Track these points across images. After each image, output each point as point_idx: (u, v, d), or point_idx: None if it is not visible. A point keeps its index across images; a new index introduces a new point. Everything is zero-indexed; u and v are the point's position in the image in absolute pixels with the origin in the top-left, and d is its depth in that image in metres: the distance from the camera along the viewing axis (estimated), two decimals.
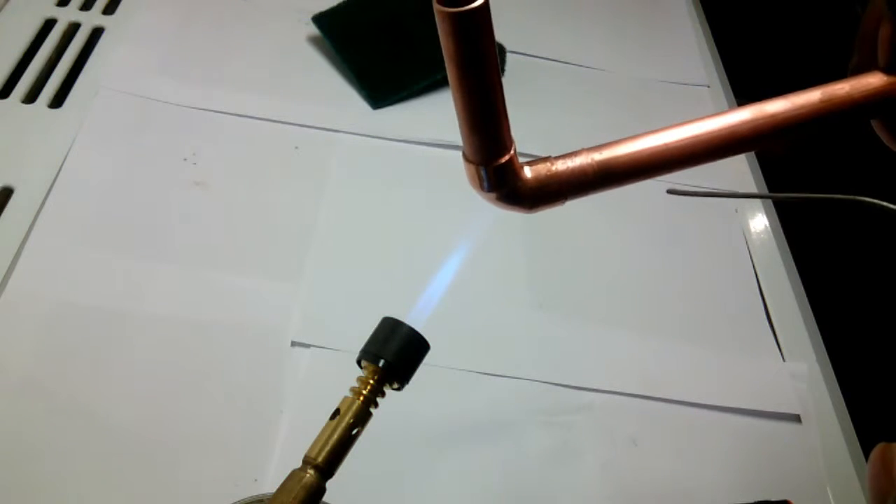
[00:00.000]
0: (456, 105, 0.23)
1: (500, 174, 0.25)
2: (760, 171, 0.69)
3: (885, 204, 0.28)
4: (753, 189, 0.67)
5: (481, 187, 0.25)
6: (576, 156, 0.26)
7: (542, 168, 0.26)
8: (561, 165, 0.26)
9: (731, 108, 0.27)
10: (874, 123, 0.29)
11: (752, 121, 0.27)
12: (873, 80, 0.27)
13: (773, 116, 0.26)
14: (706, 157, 0.27)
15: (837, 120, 0.27)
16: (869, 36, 0.28)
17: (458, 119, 0.24)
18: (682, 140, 0.26)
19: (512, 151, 0.25)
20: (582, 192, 0.26)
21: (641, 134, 0.26)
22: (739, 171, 0.68)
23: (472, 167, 0.25)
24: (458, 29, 0.21)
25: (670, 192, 0.33)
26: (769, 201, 0.67)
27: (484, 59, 0.22)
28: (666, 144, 0.26)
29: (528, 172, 0.26)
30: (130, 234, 0.53)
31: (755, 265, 0.60)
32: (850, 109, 0.27)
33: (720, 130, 0.27)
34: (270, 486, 0.40)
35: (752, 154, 0.70)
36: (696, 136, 0.26)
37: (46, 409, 0.43)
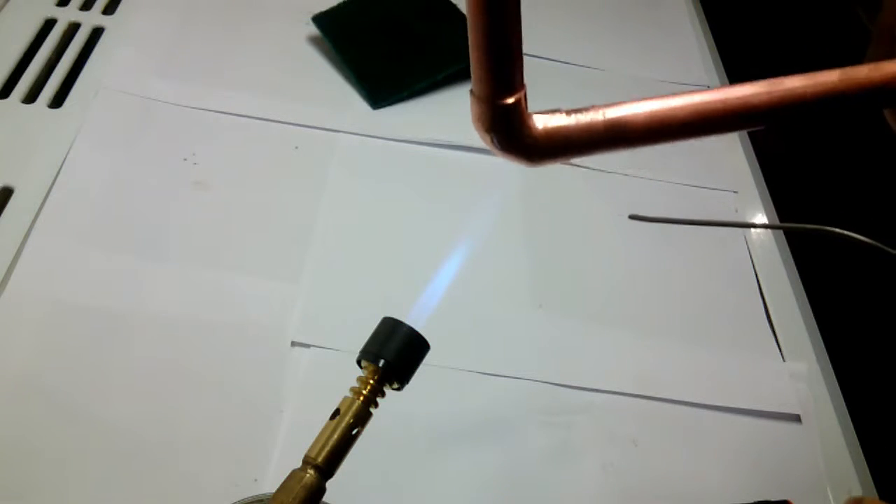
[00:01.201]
0: (470, 30, 0.22)
1: (505, 114, 0.24)
2: (760, 172, 0.69)
3: (851, 234, 0.28)
4: (752, 189, 0.67)
5: (484, 127, 0.25)
6: (587, 110, 0.25)
7: (551, 118, 0.25)
8: (571, 118, 0.25)
9: (750, 82, 0.27)
10: (888, 114, 0.29)
11: (767, 93, 0.26)
12: (893, 67, 0.27)
13: (789, 90, 0.26)
14: (720, 127, 0.26)
15: (853, 101, 0.27)
16: (887, 28, 0.28)
17: (471, 48, 0.23)
18: (696, 105, 0.25)
19: (522, 94, 0.24)
20: (590, 150, 0.25)
21: (657, 96, 0.26)
22: (740, 169, 0.68)
23: (478, 103, 0.24)
24: None
25: (632, 217, 0.32)
26: (768, 201, 0.67)
27: None
28: (681, 107, 0.25)
29: (535, 120, 0.25)
30: (130, 234, 0.53)
31: (755, 265, 0.60)
32: (868, 91, 0.26)
33: (736, 100, 0.26)
34: (270, 486, 0.40)
35: (751, 153, 0.70)
36: (710, 103, 0.26)
37: (46, 409, 0.43)
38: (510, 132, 0.24)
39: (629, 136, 0.25)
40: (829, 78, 0.26)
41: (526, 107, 0.24)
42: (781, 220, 0.65)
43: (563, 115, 0.25)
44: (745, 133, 0.72)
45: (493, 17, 0.22)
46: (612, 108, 0.25)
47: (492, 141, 0.25)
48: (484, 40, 0.22)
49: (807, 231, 0.30)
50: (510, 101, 0.24)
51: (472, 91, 0.24)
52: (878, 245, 0.29)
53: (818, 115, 0.27)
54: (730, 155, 0.69)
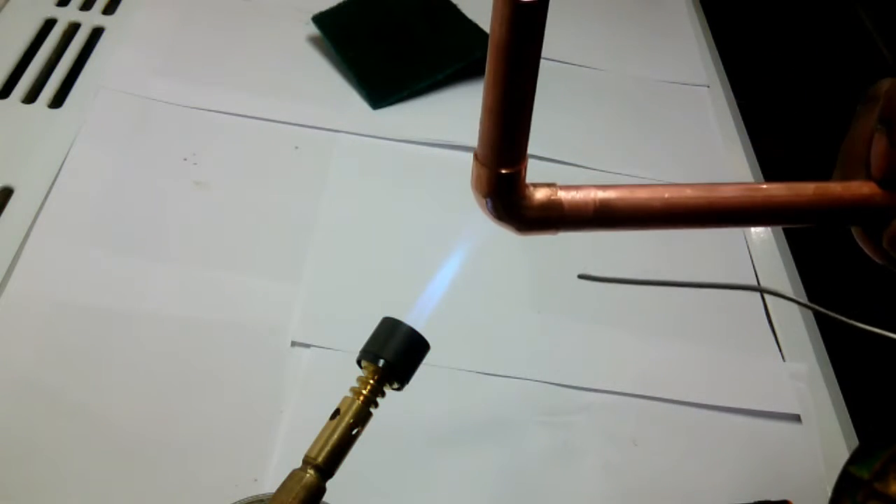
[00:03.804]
0: (486, 99, 0.23)
1: (506, 184, 0.25)
2: (761, 173, 0.69)
3: (776, 291, 0.30)
4: None
5: (482, 191, 0.25)
6: (581, 188, 0.26)
7: (545, 191, 0.26)
8: (564, 194, 0.26)
9: (733, 183, 0.28)
10: (855, 232, 0.30)
11: (749, 197, 0.28)
12: (865, 189, 0.28)
13: (769, 196, 0.28)
14: (704, 222, 0.28)
15: (826, 215, 0.28)
16: (854, 153, 0.29)
17: (484, 116, 0.23)
18: (682, 199, 0.27)
19: (523, 166, 0.25)
20: (577, 227, 0.26)
21: (649, 185, 0.27)
22: (740, 174, 0.68)
23: (480, 167, 0.25)
24: (518, 19, 0.21)
25: (581, 277, 0.33)
26: None
27: (532, 58, 0.22)
28: (666, 199, 0.26)
29: (531, 192, 0.25)
30: (130, 234, 0.53)
31: (755, 265, 0.60)
32: (839, 208, 0.28)
33: (720, 199, 0.27)
34: (270, 486, 0.40)
35: (752, 154, 0.70)
36: (695, 199, 0.27)
37: (46, 409, 0.43)
38: (507, 200, 0.25)
39: (617, 220, 0.26)
40: (805, 190, 0.28)
41: (525, 176, 0.25)
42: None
43: (559, 189, 0.26)
44: (746, 136, 0.72)
45: (515, 89, 0.22)
46: (604, 189, 0.26)
47: (486, 205, 0.26)
48: (501, 110, 0.23)
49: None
50: (512, 170, 0.24)
51: (475, 154, 0.25)
52: None
53: (792, 222, 0.29)
54: (731, 157, 0.69)
